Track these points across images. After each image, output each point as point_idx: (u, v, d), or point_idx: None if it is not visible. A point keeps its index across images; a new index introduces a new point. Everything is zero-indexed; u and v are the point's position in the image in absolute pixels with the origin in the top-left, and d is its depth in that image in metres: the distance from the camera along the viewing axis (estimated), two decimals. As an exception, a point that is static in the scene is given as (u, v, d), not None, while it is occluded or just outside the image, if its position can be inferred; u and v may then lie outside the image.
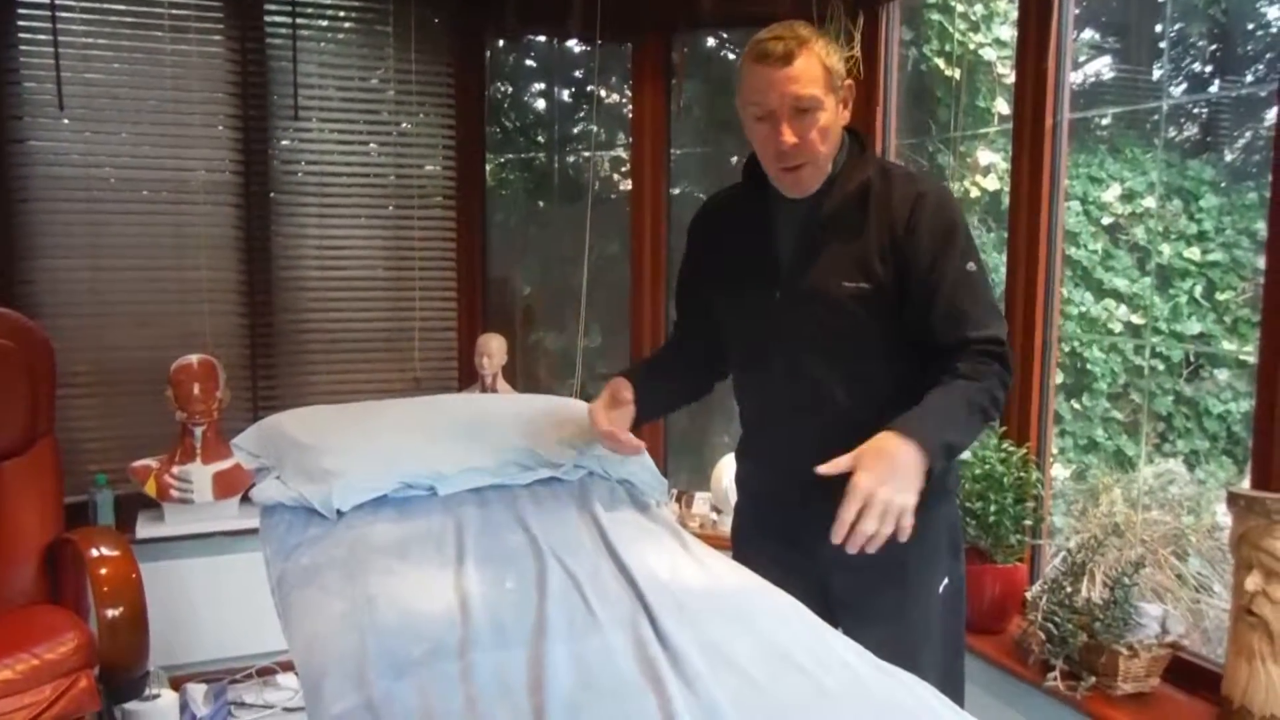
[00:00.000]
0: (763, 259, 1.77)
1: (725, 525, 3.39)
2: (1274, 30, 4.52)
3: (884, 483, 1.44)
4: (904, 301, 1.67)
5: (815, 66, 1.61)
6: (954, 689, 1.73)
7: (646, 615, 1.36)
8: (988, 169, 3.79)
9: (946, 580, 1.77)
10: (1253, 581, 1.95)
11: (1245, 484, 2.10)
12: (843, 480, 1.70)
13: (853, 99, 1.72)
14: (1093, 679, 2.19)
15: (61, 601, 2.77)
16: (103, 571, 2.57)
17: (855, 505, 1.43)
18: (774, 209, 1.77)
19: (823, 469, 1.50)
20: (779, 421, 1.83)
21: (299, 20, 3.59)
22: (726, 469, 3.42)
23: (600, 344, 4.14)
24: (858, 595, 1.74)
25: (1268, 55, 4.43)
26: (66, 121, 3.39)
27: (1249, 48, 4.54)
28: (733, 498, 3.10)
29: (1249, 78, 4.60)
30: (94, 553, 2.61)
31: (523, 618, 1.35)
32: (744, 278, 1.80)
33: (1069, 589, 2.29)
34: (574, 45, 4.16)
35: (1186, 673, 2.23)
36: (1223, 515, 2.26)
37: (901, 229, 1.65)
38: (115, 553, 2.63)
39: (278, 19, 3.57)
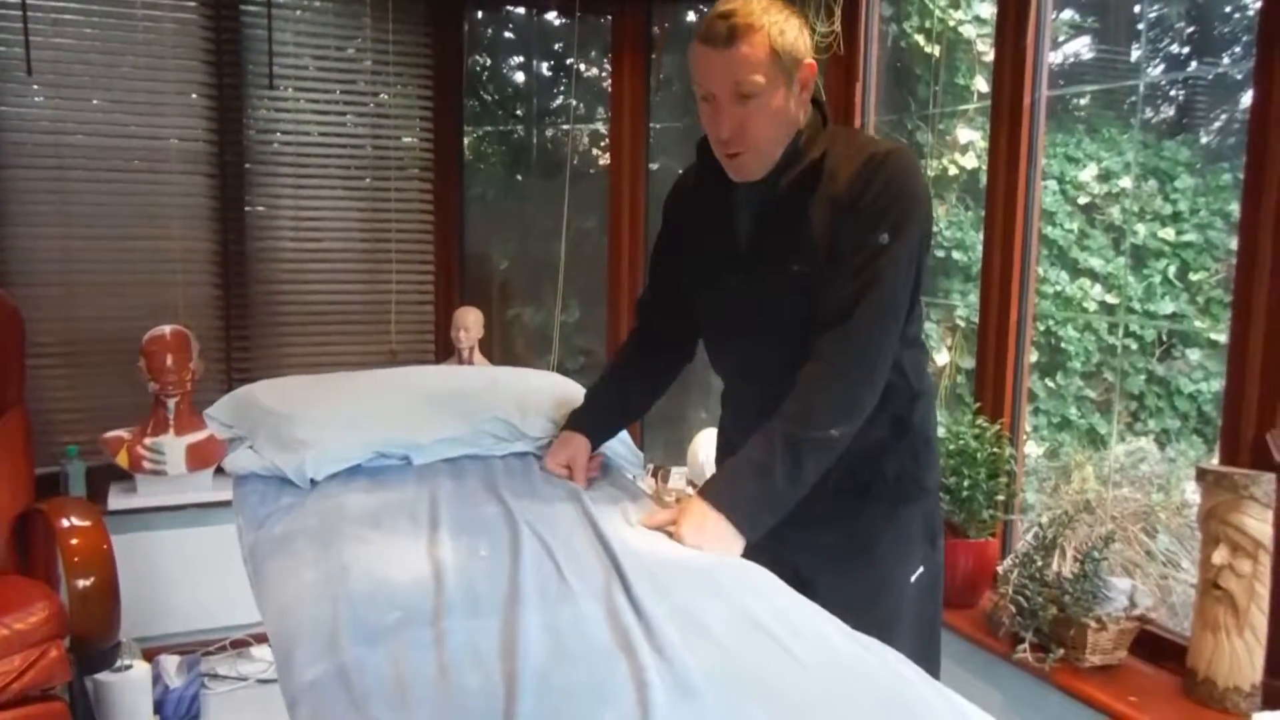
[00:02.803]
0: (723, 240, 1.72)
1: (701, 500, 3.40)
2: (1251, 12, 4.54)
3: (702, 542, 1.52)
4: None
5: (760, 50, 1.52)
6: (928, 669, 1.74)
7: (620, 584, 1.36)
8: (966, 147, 3.79)
9: (921, 570, 1.76)
10: (1219, 555, 1.98)
11: (1215, 462, 2.12)
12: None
13: (814, 78, 1.62)
14: (1061, 651, 2.22)
15: (32, 572, 2.76)
16: (73, 542, 2.55)
17: None
18: (735, 188, 1.71)
19: (643, 520, 1.60)
20: (745, 404, 1.82)
21: (274, -13, 3.55)
22: (703, 444, 3.43)
23: (578, 318, 4.13)
24: (826, 580, 1.72)
25: (1244, 38, 4.45)
26: (36, 87, 3.33)
27: (1226, 29, 4.56)
28: (709, 473, 3.12)
29: (1225, 60, 4.62)
30: (64, 523, 2.59)
31: (496, 586, 1.35)
32: (706, 259, 1.77)
33: (1039, 563, 2.31)
34: (553, 18, 4.13)
35: (1153, 645, 2.26)
36: (1192, 493, 2.29)
37: (845, 200, 1.57)
38: (86, 523, 2.61)
39: (253, -15, 3.52)
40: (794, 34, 1.57)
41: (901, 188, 1.56)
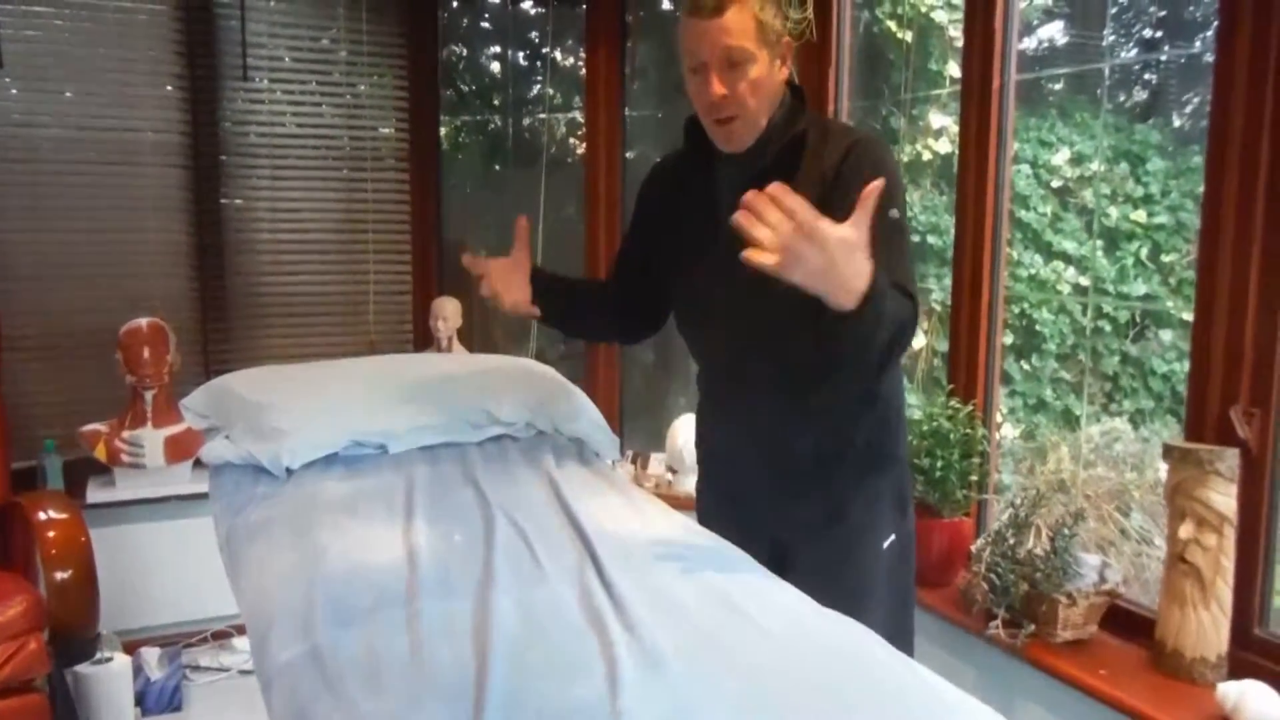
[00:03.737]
0: (705, 223, 1.75)
1: (681, 485, 3.42)
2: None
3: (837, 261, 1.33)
4: None
5: (747, 19, 1.61)
6: (903, 640, 1.77)
7: (593, 565, 1.38)
8: (939, 132, 3.81)
9: (893, 537, 1.80)
10: (1186, 530, 2.01)
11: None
12: (789, 445, 1.73)
13: (790, 56, 1.71)
14: (1032, 627, 2.25)
15: (10, 566, 2.76)
16: (50, 534, 2.55)
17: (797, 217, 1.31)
18: (717, 172, 1.76)
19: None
20: (727, 382, 1.85)
21: (246, -22, 3.53)
22: (681, 429, 3.45)
23: (556, 307, 4.13)
24: (801, 550, 1.77)
25: (1216, 21, 4.49)
26: (8, 80, 3.31)
27: (1198, 14, 4.60)
28: (688, 457, 3.15)
29: (1197, 43, 4.66)
30: (42, 516, 2.60)
31: (470, 568, 1.37)
32: (688, 241, 1.80)
33: (1012, 541, 2.34)
34: (528, 6, 4.13)
35: (1123, 620, 2.30)
36: (1164, 471, 2.31)
37: (831, 176, 1.64)
38: (63, 516, 2.61)
39: (225, -24, 3.51)
40: (773, 10, 1.66)
41: (890, 168, 1.64)
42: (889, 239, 1.58)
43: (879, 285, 1.37)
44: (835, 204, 1.57)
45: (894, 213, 1.61)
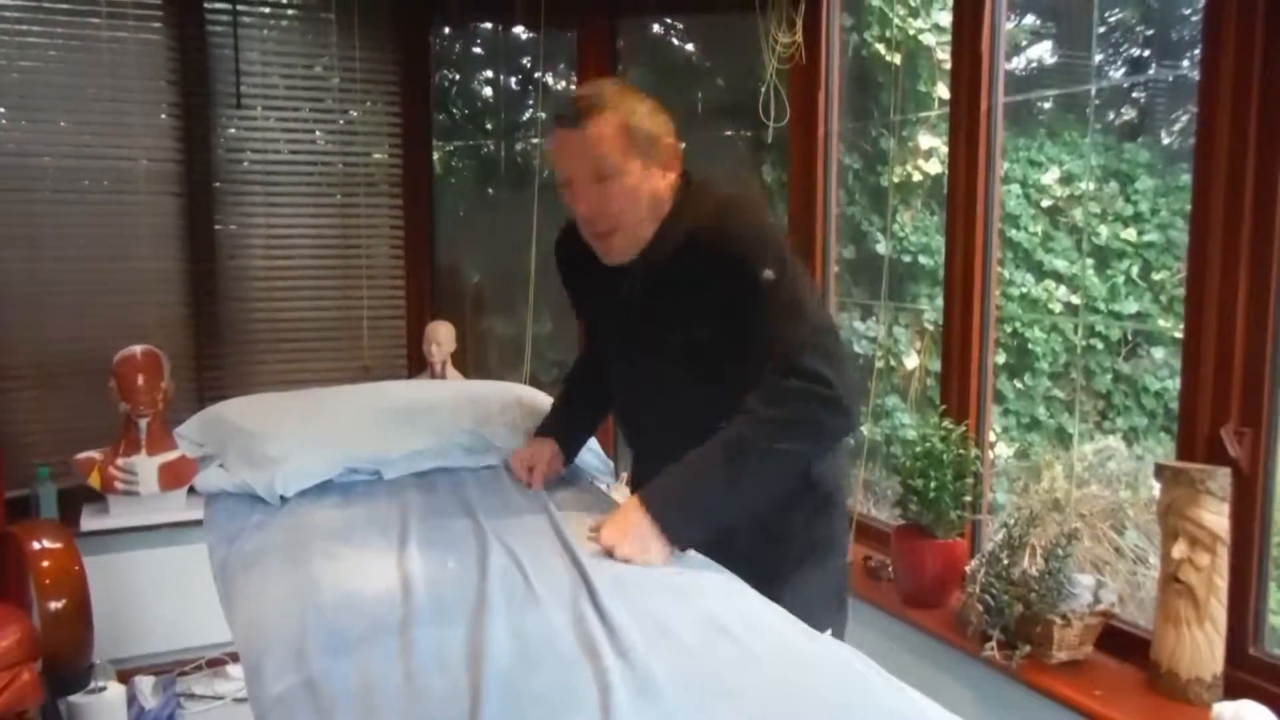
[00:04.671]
0: (611, 304, 1.71)
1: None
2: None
3: (620, 545, 1.47)
4: (734, 345, 1.56)
5: (610, 131, 1.52)
6: None
7: (587, 592, 1.38)
8: (929, 153, 3.85)
9: (830, 631, 1.58)
10: (1179, 549, 2.01)
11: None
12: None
13: (677, 157, 1.62)
14: (1028, 648, 2.25)
15: (3, 595, 2.74)
16: (44, 564, 2.55)
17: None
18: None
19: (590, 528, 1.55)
20: (649, 453, 1.80)
21: (239, 7, 3.55)
22: (676, 452, 3.44)
23: (550, 330, 4.15)
24: None
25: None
26: (2, 110, 3.33)
27: (1185, 33, 4.64)
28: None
29: (1185, 62, 4.70)
30: (35, 545, 2.59)
31: (463, 596, 1.36)
32: (600, 319, 1.81)
33: (1006, 562, 2.34)
34: (520, 32, 4.16)
35: (1119, 640, 2.30)
36: (1159, 489, 2.32)
37: (704, 275, 1.55)
38: (57, 545, 2.61)
39: (218, 5, 3.53)
40: (646, 112, 1.57)
41: (740, 241, 1.54)
42: (768, 303, 1.51)
43: (684, 531, 1.49)
44: (723, 299, 1.54)
45: (767, 274, 1.51)
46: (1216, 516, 1.98)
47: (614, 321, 1.75)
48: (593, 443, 2.06)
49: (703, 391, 1.61)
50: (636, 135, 1.55)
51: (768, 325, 1.52)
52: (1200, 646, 2.01)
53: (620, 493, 3.54)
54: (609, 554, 1.47)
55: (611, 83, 1.59)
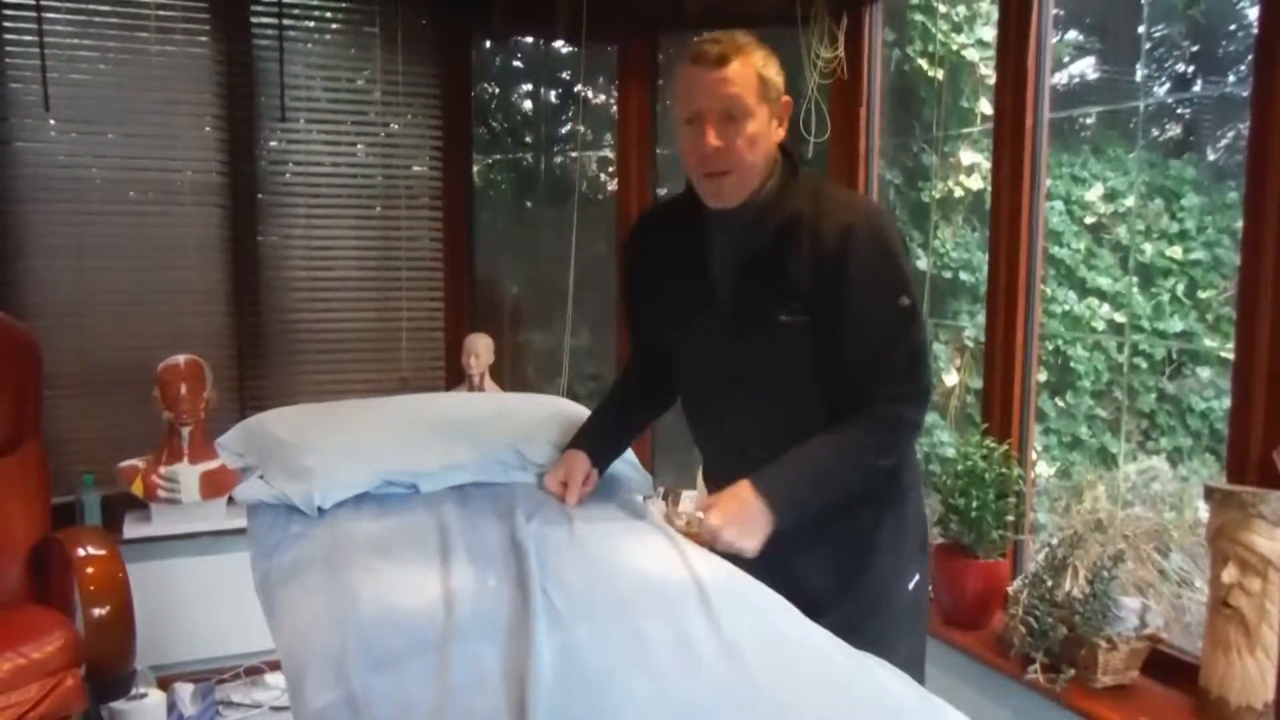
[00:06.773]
0: (699, 288, 1.74)
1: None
2: (1255, 31, 4.57)
3: (728, 526, 1.56)
4: (834, 336, 1.64)
5: (750, 73, 1.59)
6: (917, 674, 1.74)
7: (629, 608, 1.38)
8: (971, 169, 3.82)
9: (918, 576, 1.79)
10: (1229, 574, 1.97)
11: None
12: None
13: (788, 117, 1.68)
14: (1072, 672, 2.21)
15: (48, 601, 2.77)
16: (89, 571, 2.57)
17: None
18: (710, 235, 1.73)
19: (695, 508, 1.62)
20: (727, 449, 1.83)
21: (285, 21, 3.60)
22: (713, 467, 3.42)
23: (588, 343, 4.16)
24: (829, 593, 1.73)
25: (1249, 56, 4.47)
26: (53, 122, 3.39)
27: (1231, 48, 4.58)
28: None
29: (1231, 78, 4.63)
30: (80, 552, 2.62)
31: (503, 612, 1.36)
32: (682, 307, 1.79)
33: (1050, 583, 2.31)
34: (560, 46, 4.18)
35: (1165, 665, 2.26)
36: (1204, 511, 2.28)
37: (830, 263, 1.61)
38: (101, 552, 2.63)
39: (264, 19, 3.58)
40: (776, 69, 1.65)
41: (895, 252, 1.64)
42: (897, 330, 1.63)
43: (779, 507, 1.58)
44: (838, 293, 1.61)
45: (904, 300, 1.62)
46: (1268, 541, 1.94)
47: (699, 305, 1.75)
48: (630, 455, 2.05)
49: (793, 370, 1.68)
50: (767, 84, 1.62)
51: (888, 351, 1.63)
52: (1251, 673, 1.97)
53: (656, 506, 3.53)
54: (710, 537, 1.56)
55: (742, 34, 1.64)
